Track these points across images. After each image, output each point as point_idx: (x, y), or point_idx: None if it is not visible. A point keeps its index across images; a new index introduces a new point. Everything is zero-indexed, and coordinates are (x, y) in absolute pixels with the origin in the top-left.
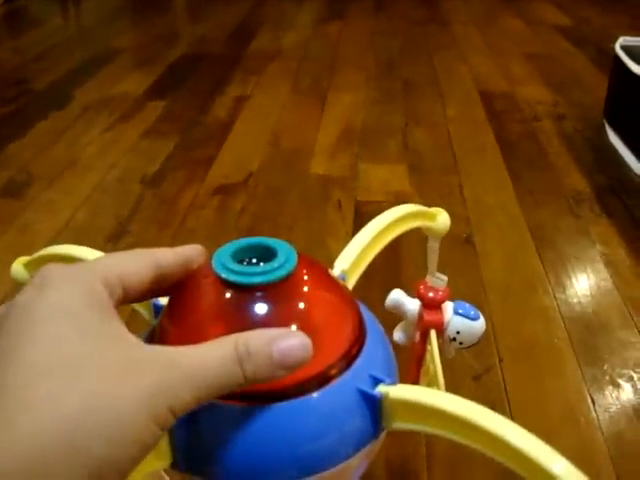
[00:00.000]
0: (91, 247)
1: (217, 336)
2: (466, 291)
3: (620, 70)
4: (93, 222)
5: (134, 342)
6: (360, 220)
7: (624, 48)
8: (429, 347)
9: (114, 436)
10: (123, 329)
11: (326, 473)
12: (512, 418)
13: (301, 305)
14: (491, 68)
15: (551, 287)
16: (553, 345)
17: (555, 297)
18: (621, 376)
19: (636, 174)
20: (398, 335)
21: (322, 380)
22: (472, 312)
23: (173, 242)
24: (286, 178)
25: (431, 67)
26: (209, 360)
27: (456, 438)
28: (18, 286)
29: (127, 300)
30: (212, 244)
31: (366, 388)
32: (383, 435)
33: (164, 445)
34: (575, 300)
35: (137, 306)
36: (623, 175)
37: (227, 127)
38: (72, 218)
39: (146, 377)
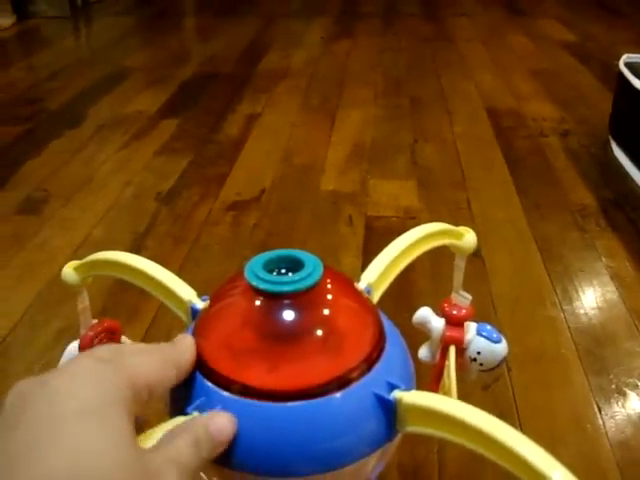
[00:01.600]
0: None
1: (248, 342)
2: (475, 304)
3: (624, 86)
4: (110, 238)
5: (141, 451)
6: (371, 235)
7: (628, 65)
8: (447, 362)
9: None
10: (134, 435)
11: (344, 469)
12: (520, 426)
13: (326, 312)
14: (497, 84)
15: (558, 299)
16: (560, 355)
17: (562, 309)
18: (627, 385)
19: (639, 187)
20: (423, 353)
21: (343, 382)
22: (494, 335)
23: (188, 257)
24: (298, 194)
25: (438, 84)
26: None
27: (463, 443)
28: (43, 297)
29: (149, 404)
30: (226, 259)
31: (382, 392)
32: (398, 437)
33: None
34: (582, 312)
35: (176, 309)
36: (628, 189)
37: (239, 145)
38: (89, 234)
39: None
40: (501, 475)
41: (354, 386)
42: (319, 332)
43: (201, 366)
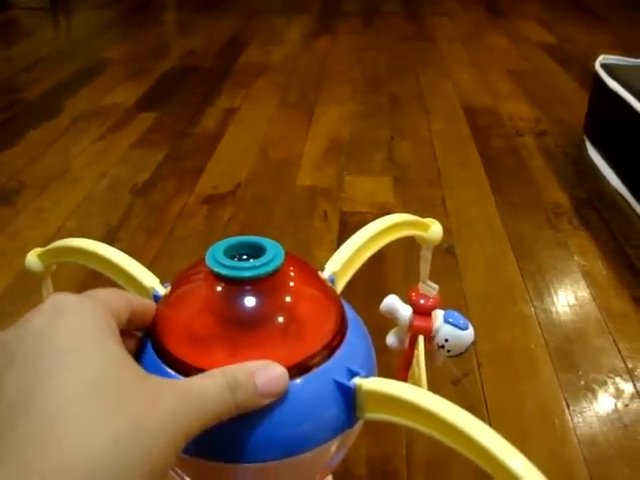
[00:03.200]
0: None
1: (208, 327)
2: (447, 299)
3: (600, 87)
4: (83, 230)
5: (145, 372)
6: (345, 230)
7: (604, 66)
8: (416, 352)
9: (147, 469)
10: (132, 359)
11: (304, 456)
12: (489, 420)
13: (287, 299)
14: (475, 84)
15: (529, 296)
16: (530, 351)
17: (533, 306)
18: (595, 381)
19: (614, 188)
20: (391, 339)
21: (303, 368)
22: (462, 321)
23: (162, 249)
24: (273, 189)
25: (417, 82)
26: (209, 391)
27: (422, 429)
28: (14, 288)
29: None
30: (200, 252)
31: (342, 379)
32: (359, 425)
33: None
34: (553, 309)
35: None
36: (601, 189)
37: (216, 139)
38: (62, 226)
39: (167, 405)
40: (469, 468)
41: (314, 372)
42: (280, 318)
43: (161, 352)
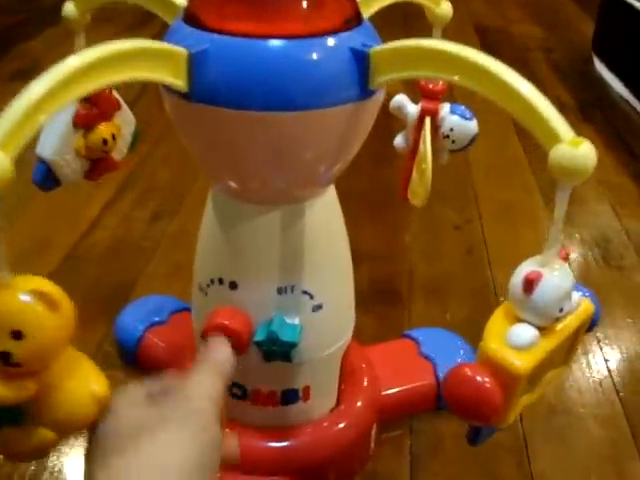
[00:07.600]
0: None
1: None
2: (450, 168)
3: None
4: None
5: None
6: None
7: None
8: (423, 132)
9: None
10: None
11: (326, 111)
12: (488, 257)
13: None
14: (488, 9)
15: (531, 167)
16: (531, 205)
17: (533, 173)
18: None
19: (617, 92)
20: (398, 140)
21: (322, 34)
22: (467, 114)
23: None
24: None
25: None
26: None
27: (438, 75)
28: None
29: None
30: None
31: (357, 47)
32: (373, 102)
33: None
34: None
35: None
36: (605, 94)
37: None
38: None
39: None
40: (465, 291)
41: (331, 37)
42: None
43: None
